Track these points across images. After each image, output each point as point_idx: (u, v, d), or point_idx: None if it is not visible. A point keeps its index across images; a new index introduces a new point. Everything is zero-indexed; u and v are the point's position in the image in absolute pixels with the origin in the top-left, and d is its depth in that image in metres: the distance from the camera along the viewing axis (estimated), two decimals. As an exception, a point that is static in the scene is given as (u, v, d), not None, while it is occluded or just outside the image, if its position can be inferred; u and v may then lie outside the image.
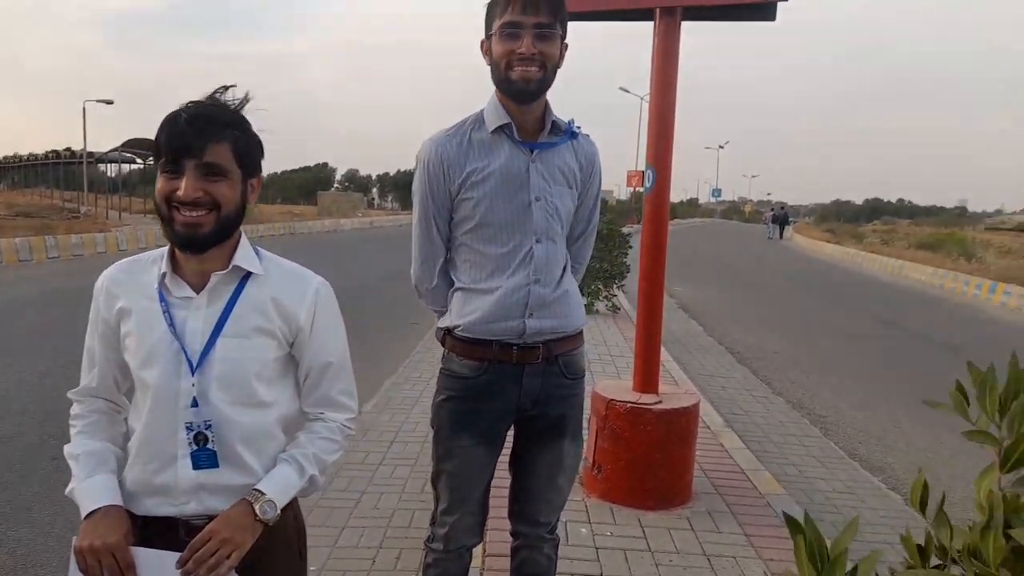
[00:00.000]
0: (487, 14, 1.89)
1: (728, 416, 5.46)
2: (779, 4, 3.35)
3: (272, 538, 1.42)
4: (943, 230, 36.05)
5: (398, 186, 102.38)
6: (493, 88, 1.93)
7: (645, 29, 3.52)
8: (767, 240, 39.63)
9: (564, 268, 2.05)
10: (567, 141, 1.99)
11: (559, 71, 1.91)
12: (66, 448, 1.46)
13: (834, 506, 3.95)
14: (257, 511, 1.34)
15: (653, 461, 3.49)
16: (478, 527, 2.12)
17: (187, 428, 1.36)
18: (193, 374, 1.36)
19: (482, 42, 1.92)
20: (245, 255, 1.42)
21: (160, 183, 1.33)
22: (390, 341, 8.29)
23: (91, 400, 1.49)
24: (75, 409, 1.49)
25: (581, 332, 2.10)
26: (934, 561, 0.89)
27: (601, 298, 9.84)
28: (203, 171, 1.32)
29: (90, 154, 34.26)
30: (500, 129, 1.92)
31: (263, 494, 1.36)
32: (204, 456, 1.37)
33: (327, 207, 52.10)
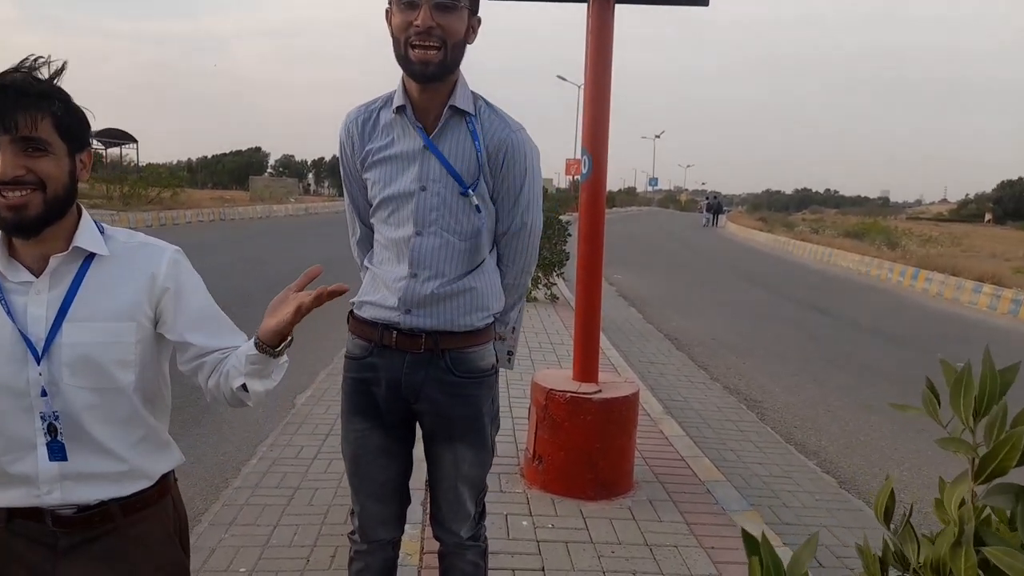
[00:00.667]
0: None
1: (667, 403, 5.50)
2: None
3: (148, 525, 1.38)
4: (868, 219, 37.58)
5: (334, 172, 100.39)
6: None
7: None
8: (703, 228, 40.52)
9: (472, 266, 1.87)
10: (471, 128, 1.80)
11: (471, 48, 1.75)
12: None
13: (772, 491, 4.00)
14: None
15: (593, 451, 3.45)
16: (393, 519, 2.02)
17: (41, 418, 1.29)
18: (39, 363, 1.27)
19: (386, 10, 1.74)
20: (87, 235, 1.31)
21: None
22: (325, 329, 8.04)
23: None
24: None
25: (483, 330, 1.91)
26: (893, 573, 0.83)
27: (540, 286, 9.81)
28: (22, 146, 1.20)
29: None
30: (400, 110, 1.79)
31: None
32: (56, 447, 1.29)
33: (259, 193, 50.59)
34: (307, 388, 5.57)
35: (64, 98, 1.26)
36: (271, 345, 1.32)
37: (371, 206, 1.91)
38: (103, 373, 1.30)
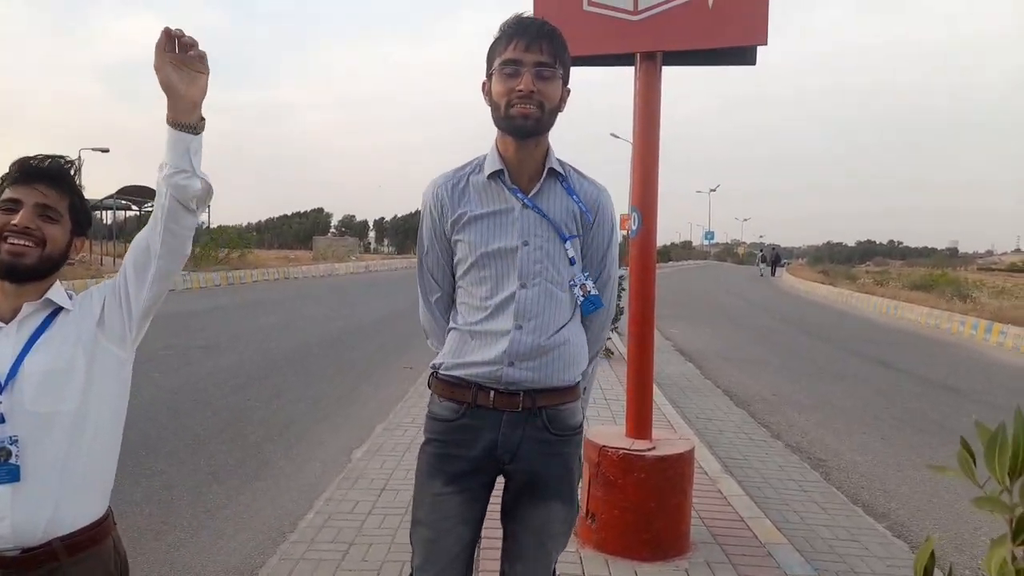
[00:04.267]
0: (489, 53, 1.89)
1: (726, 461, 5.35)
2: (759, 48, 3.39)
3: (91, 564, 1.45)
4: (936, 271, 36.23)
5: (395, 230, 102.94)
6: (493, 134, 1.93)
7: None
8: (759, 279, 39.74)
9: (568, 319, 1.94)
10: (565, 187, 1.95)
11: (560, 115, 1.90)
12: None
13: (838, 555, 3.82)
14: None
15: (648, 510, 3.38)
16: None
17: None
18: (1, 392, 1.40)
19: (483, 82, 1.91)
20: (58, 293, 1.52)
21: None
22: (381, 386, 8.17)
23: None
24: None
25: (574, 387, 1.97)
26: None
27: None
28: (40, 210, 1.47)
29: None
30: (495, 175, 1.92)
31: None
32: (4, 471, 1.37)
33: (322, 252, 52.16)
34: (364, 443, 5.64)
35: (81, 194, 1.56)
36: (189, 123, 1.50)
37: (456, 268, 1.98)
38: (57, 399, 1.43)
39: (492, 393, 1.88)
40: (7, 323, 1.45)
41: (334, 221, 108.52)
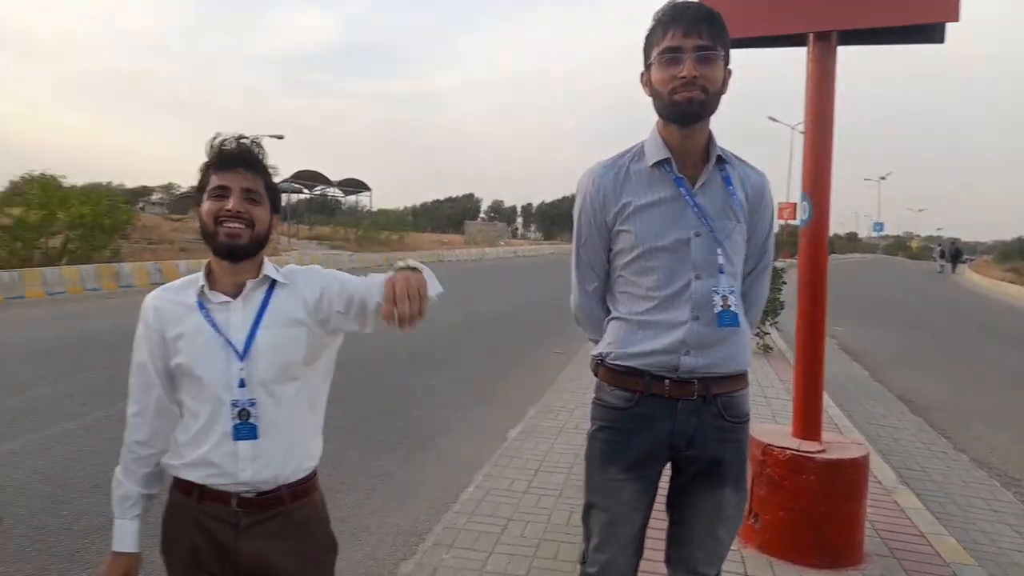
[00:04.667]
0: (646, 44, 1.87)
1: (902, 471, 4.96)
2: (947, 25, 3.05)
3: (308, 510, 1.66)
4: None
5: (542, 216, 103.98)
6: (648, 122, 1.93)
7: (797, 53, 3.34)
8: (937, 275, 36.22)
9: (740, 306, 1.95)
10: (725, 175, 1.91)
11: (723, 98, 1.86)
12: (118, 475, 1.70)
13: (1035, 584, 3.45)
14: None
15: (817, 515, 3.22)
16: (631, 570, 2.01)
17: (233, 405, 1.58)
18: (241, 360, 1.58)
19: (641, 74, 1.90)
20: (270, 268, 1.69)
21: (207, 206, 1.59)
22: (534, 369, 8.33)
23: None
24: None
25: (745, 374, 1.98)
26: None
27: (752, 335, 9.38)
28: (245, 195, 1.60)
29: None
30: (659, 163, 1.90)
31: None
32: (245, 429, 1.58)
33: (473, 236, 53.81)
34: (518, 423, 5.81)
35: (271, 175, 1.68)
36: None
37: (616, 257, 1.98)
38: (286, 369, 1.62)
39: (667, 382, 1.89)
40: (234, 299, 1.63)
41: (483, 207, 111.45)
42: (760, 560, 3.32)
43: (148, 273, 16.52)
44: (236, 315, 1.62)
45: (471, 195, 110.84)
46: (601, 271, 2.04)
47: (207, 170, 1.61)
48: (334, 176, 38.87)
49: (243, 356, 1.59)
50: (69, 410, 5.96)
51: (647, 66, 1.87)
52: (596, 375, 2.04)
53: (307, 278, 1.70)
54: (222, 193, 1.58)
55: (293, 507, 1.63)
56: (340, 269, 1.76)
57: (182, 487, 1.63)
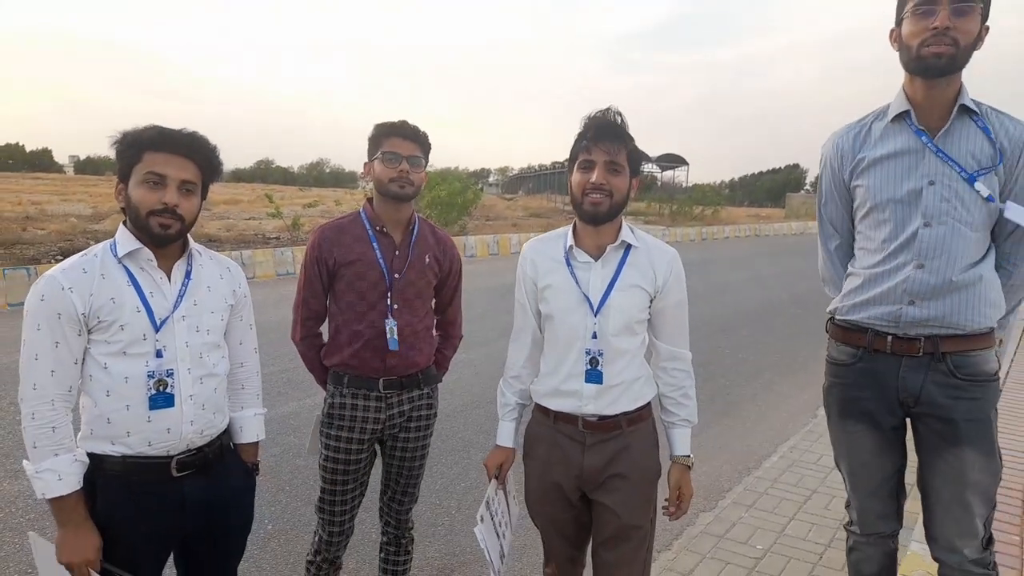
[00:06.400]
0: (899, 1, 1.86)
1: None
2: None
3: (640, 436, 1.94)
4: None
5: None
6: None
7: None
8: None
9: (978, 260, 1.85)
10: (980, 125, 1.83)
11: (976, 52, 1.80)
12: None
13: None
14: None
15: None
16: (892, 514, 2.08)
17: (587, 352, 1.87)
18: (595, 315, 1.86)
19: (892, 30, 1.89)
20: (627, 233, 1.90)
21: (576, 176, 1.83)
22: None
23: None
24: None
25: (987, 334, 1.87)
26: None
27: None
28: (609, 167, 1.80)
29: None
30: (900, 116, 1.89)
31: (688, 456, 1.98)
32: (595, 375, 1.87)
33: (795, 210, 50.20)
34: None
35: (631, 138, 1.85)
36: None
37: (855, 213, 2.02)
38: (630, 326, 1.88)
39: (890, 339, 1.90)
40: (595, 260, 1.88)
41: (809, 177, 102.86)
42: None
43: (487, 245, 18.72)
44: (597, 275, 1.88)
45: (796, 165, 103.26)
46: (843, 228, 2.09)
47: (579, 142, 1.84)
48: (653, 152, 39.37)
49: (597, 311, 1.87)
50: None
51: (898, 22, 1.86)
52: (827, 332, 2.12)
53: (661, 254, 1.92)
54: (588, 166, 1.81)
55: (629, 430, 1.92)
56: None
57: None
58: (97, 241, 2.22)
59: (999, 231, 1.90)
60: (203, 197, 1.79)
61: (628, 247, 1.89)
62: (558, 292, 1.89)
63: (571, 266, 1.89)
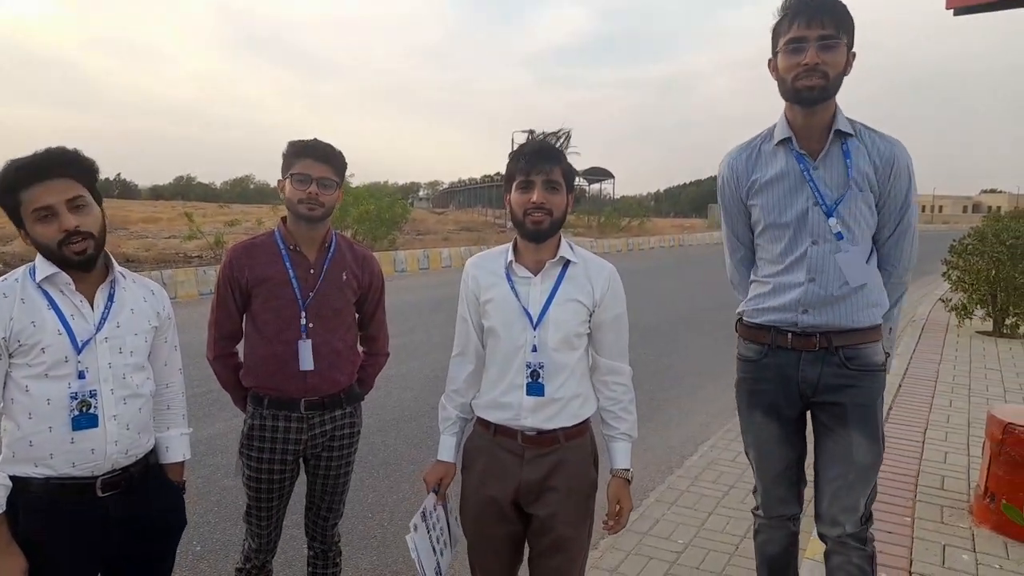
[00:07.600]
0: (773, 35, 2.04)
1: None
2: None
3: (577, 451, 1.96)
4: None
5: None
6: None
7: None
8: None
9: (862, 267, 2.04)
10: (845, 148, 2.02)
11: (846, 79, 1.99)
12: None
13: None
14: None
15: (1068, 501, 3.02)
16: (794, 499, 2.28)
17: (527, 366, 1.91)
18: (534, 329, 1.91)
19: (769, 60, 2.07)
20: (566, 249, 1.96)
21: (515, 196, 1.88)
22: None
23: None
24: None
25: (874, 329, 2.08)
26: None
27: (1011, 316, 8.25)
28: (546, 187, 1.86)
29: (515, 177, 39.50)
30: (783, 142, 2.08)
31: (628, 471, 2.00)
32: (535, 387, 1.91)
33: (717, 220, 51.58)
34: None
35: (564, 158, 1.92)
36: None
37: (754, 228, 2.20)
38: (569, 339, 1.92)
39: (790, 336, 2.10)
40: (535, 275, 1.92)
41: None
42: (993, 539, 3.20)
43: (418, 259, 18.65)
44: (535, 289, 1.92)
45: (714, 177, 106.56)
46: (745, 240, 2.28)
47: (515, 162, 1.88)
48: (580, 166, 40.11)
49: (536, 325, 1.90)
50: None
51: (774, 54, 2.03)
52: (736, 330, 2.31)
53: (598, 269, 1.97)
54: (527, 187, 1.86)
55: (567, 445, 1.94)
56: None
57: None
58: (7, 264, 2.17)
59: (878, 236, 2.10)
60: (99, 203, 1.76)
61: (567, 263, 1.95)
62: (499, 306, 1.95)
63: (512, 281, 1.95)
